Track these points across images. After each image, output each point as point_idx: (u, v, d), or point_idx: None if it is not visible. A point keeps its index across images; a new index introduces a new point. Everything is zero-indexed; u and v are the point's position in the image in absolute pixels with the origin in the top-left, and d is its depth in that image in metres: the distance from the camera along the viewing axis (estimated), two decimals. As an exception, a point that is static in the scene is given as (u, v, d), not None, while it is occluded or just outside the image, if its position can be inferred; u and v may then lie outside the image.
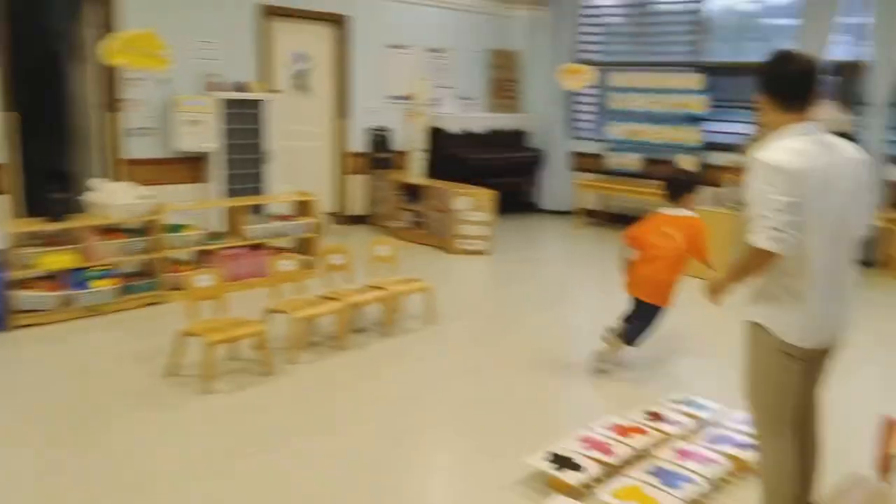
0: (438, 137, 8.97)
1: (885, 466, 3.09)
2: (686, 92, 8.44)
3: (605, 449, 3.22)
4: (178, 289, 5.42)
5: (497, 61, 9.85)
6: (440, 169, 8.84)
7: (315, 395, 3.97)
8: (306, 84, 7.96)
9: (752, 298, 2.57)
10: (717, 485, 3.08)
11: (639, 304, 4.28)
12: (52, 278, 4.83)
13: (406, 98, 8.84)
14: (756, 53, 8.75)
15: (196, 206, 5.89)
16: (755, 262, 2.42)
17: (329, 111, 8.21)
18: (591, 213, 9.37)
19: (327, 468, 3.22)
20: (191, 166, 6.93)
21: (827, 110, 7.10)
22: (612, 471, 3.10)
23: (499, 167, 9.18)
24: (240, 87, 7.09)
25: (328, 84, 8.15)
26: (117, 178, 6.16)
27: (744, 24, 8.70)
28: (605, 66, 9.04)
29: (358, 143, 8.45)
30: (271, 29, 7.45)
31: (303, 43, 7.84)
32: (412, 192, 8.28)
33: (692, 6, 8.65)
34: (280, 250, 6.10)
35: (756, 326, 2.54)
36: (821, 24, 7.38)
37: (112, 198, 5.08)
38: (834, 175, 2.39)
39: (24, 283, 4.73)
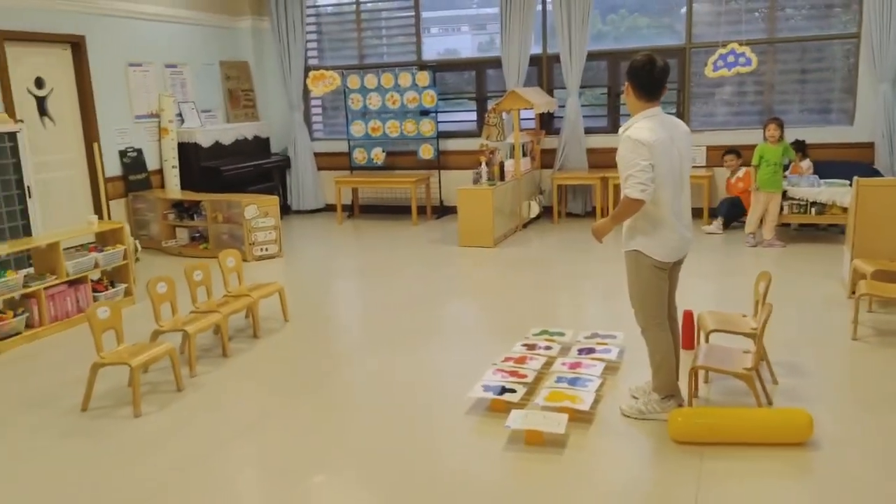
0: (188, 152, 8.99)
1: (691, 343, 4.40)
2: (416, 88, 9.53)
3: (517, 374, 4.07)
4: (7, 337, 5.11)
5: (230, 72, 10.04)
6: (196, 183, 8.89)
7: (238, 399, 4.21)
8: (48, 111, 7.49)
9: (629, 235, 3.60)
10: (604, 380, 4.11)
11: None
12: None
13: (152, 115, 8.71)
14: (471, 49, 10.27)
15: (10, 249, 5.45)
16: (630, 208, 3.45)
17: (76, 137, 7.81)
18: (345, 208, 10.08)
19: (297, 439, 3.60)
20: (-58, 212, 6.24)
21: (536, 95, 8.71)
22: (531, 387, 3.96)
23: (250, 175, 9.48)
24: (-13, 120, 6.52)
25: (71, 109, 7.75)
26: None
27: (455, 21, 10.11)
28: (338, 69, 9.73)
29: (111, 166, 8.15)
30: (5, 54, 6.91)
31: (40, 68, 7.36)
32: (182, 209, 8.27)
33: (408, 10, 9.75)
34: (98, 282, 5.92)
35: (636, 253, 3.57)
36: (522, 22, 8.93)
37: (-70, 250, 4.60)
38: (673, 143, 3.47)
39: None
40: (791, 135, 7.54)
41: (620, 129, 3.54)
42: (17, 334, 5.20)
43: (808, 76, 8.38)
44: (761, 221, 7.16)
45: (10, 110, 6.86)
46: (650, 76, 3.42)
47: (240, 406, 4.11)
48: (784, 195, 7.11)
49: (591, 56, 8.87)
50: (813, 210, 7.05)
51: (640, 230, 3.53)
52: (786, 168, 7.28)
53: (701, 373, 3.96)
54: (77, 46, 7.67)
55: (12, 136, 6.56)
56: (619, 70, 8.94)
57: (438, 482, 3.23)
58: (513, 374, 4.09)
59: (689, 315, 4.54)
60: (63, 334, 5.43)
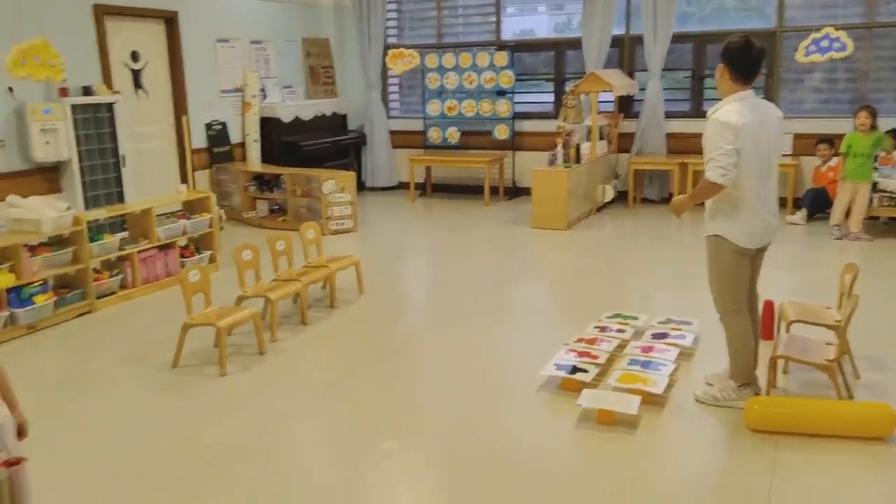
0: (270, 126, 9.23)
1: (770, 334, 4.33)
2: (493, 68, 9.52)
3: (590, 355, 4.10)
4: (104, 296, 5.40)
5: (311, 49, 10.23)
6: (276, 156, 9.13)
7: (316, 365, 4.38)
8: (143, 83, 7.81)
9: (711, 219, 3.56)
10: (678, 366, 4.09)
11: None
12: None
13: (237, 90, 8.97)
14: (548, 29, 10.19)
15: (108, 214, 5.77)
16: (709, 191, 3.42)
17: (167, 109, 8.12)
18: (417, 186, 10.18)
19: (371, 406, 3.73)
20: (46, 177, 6.61)
21: (616, 77, 8.60)
22: (603, 369, 3.98)
23: (327, 151, 9.67)
24: (87, 91, 6.86)
25: (164, 82, 8.05)
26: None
27: (532, 0, 10.05)
28: (417, 48, 9.79)
29: (197, 138, 8.45)
30: (105, 29, 7.22)
31: (136, 41, 7.67)
32: (263, 182, 8.52)
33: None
34: (185, 248, 6.19)
35: (717, 238, 3.53)
36: (605, 2, 8.80)
37: (40, 213, 4.91)
38: (762, 128, 3.41)
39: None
40: (886, 124, 7.24)
41: (709, 111, 3.50)
42: (112, 294, 5.50)
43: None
44: (848, 213, 6.93)
45: (108, 82, 7.18)
46: (746, 58, 3.37)
47: (318, 372, 4.27)
48: (874, 187, 6.86)
49: (676, 38, 8.68)
50: (904, 204, 6.78)
51: (722, 214, 3.49)
52: (876, 158, 7.01)
53: (780, 364, 3.90)
54: (170, 21, 7.96)
55: (110, 106, 6.91)
56: (706, 53, 8.73)
57: (509, 455, 3.30)
58: (585, 354, 4.12)
59: (769, 305, 4.46)
60: (153, 296, 5.73)
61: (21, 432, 2.17)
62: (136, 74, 7.73)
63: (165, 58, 8.03)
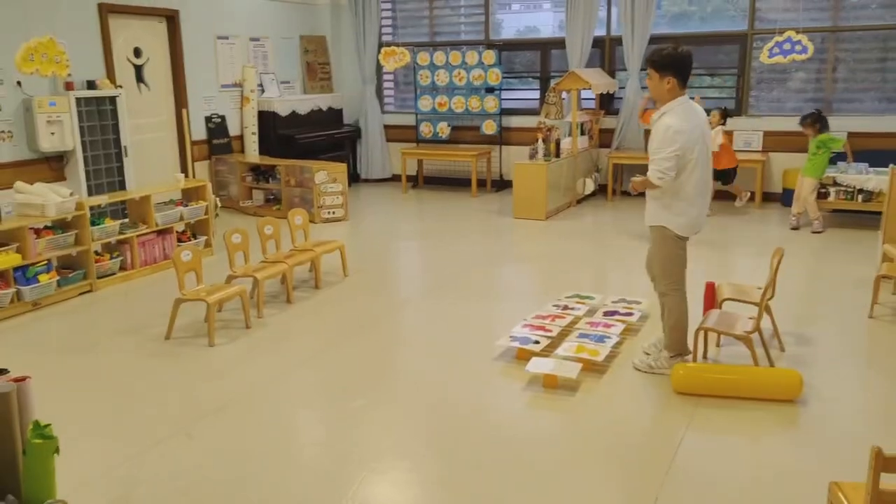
0: (267, 120, 9.65)
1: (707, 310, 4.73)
2: (482, 66, 9.93)
3: (544, 329, 4.52)
4: (105, 276, 5.84)
5: (309, 46, 10.66)
6: (273, 149, 9.56)
7: (298, 337, 4.81)
8: (144, 78, 8.24)
9: (654, 211, 3.98)
10: (623, 339, 4.51)
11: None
12: (-1, 277, 5.11)
13: (236, 85, 9.40)
14: (552, 26, 10.51)
15: (109, 200, 6.20)
16: (650, 186, 3.84)
17: (168, 103, 8.55)
18: (410, 178, 10.60)
19: (346, 372, 4.16)
20: (51, 166, 7.05)
21: (596, 76, 9.00)
22: (554, 341, 4.41)
23: (323, 144, 10.10)
24: (91, 85, 7.29)
25: (165, 77, 8.48)
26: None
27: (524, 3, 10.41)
28: (410, 46, 10.20)
29: (197, 131, 8.88)
30: (108, 26, 7.65)
31: (138, 38, 8.10)
32: (259, 173, 8.95)
33: (479, -8, 10.13)
34: (182, 233, 6.62)
35: (661, 227, 3.95)
36: (587, 4, 9.20)
37: (45, 197, 5.35)
38: (701, 130, 3.82)
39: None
40: (862, 123, 7.69)
41: (655, 115, 3.90)
42: (112, 274, 5.95)
43: (886, 65, 8.30)
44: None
45: (111, 76, 7.61)
46: (689, 65, 3.76)
47: (299, 344, 4.70)
48: (833, 182, 7.26)
49: (654, 39, 9.06)
50: (860, 197, 7.17)
51: (666, 207, 3.90)
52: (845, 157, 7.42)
53: (713, 338, 4.32)
54: (171, 19, 8.39)
55: (113, 99, 7.34)
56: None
57: (464, 409, 3.74)
58: (540, 328, 4.54)
59: (710, 286, 4.87)
60: (151, 277, 6.17)
61: None
62: (138, 70, 8.16)
63: (167, 54, 8.45)
